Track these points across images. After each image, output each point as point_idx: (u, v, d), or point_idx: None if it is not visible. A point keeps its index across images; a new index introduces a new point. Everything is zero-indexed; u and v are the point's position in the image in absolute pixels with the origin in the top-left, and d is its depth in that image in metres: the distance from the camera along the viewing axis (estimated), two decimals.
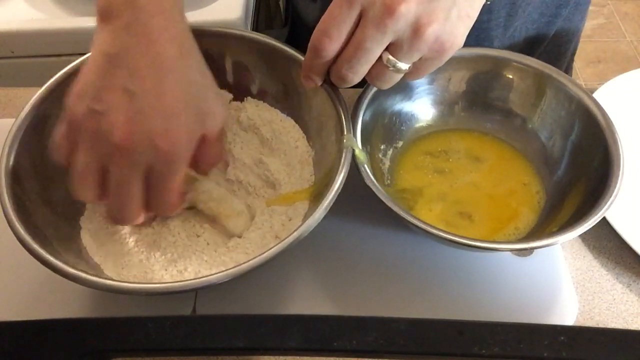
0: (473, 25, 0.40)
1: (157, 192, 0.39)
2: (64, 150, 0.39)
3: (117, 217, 0.40)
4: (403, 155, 0.53)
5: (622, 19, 2.02)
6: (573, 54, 0.71)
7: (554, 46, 0.65)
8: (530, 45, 0.63)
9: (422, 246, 0.48)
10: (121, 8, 0.38)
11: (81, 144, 0.38)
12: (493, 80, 0.52)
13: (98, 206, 0.47)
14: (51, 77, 0.46)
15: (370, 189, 0.42)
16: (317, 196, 0.45)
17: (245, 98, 0.53)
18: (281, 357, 0.43)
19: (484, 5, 0.41)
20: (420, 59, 0.40)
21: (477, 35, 0.59)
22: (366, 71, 0.41)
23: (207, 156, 0.42)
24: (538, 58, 0.51)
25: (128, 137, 0.37)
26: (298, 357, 0.42)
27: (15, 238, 0.39)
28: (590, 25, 1.96)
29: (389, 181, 0.51)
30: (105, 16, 0.39)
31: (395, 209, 0.41)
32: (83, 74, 0.39)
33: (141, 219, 0.41)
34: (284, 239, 0.38)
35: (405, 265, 0.48)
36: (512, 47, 0.62)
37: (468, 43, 0.41)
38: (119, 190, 0.39)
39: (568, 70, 0.71)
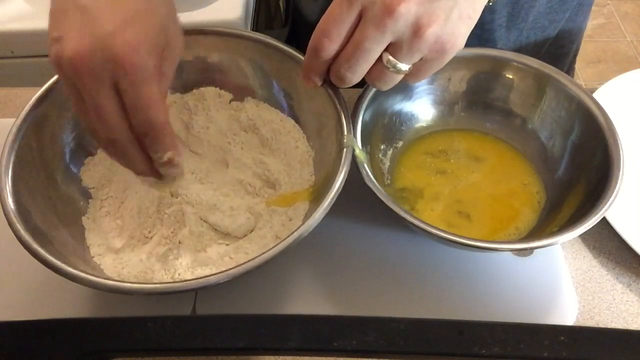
0: (476, 25, 0.40)
1: (135, 108, 0.36)
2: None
3: (107, 145, 0.37)
4: (403, 155, 0.53)
5: (622, 19, 2.02)
6: (575, 55, 0.70)
7: (557, 47, 0.65)
8: (535, 48, 0.63)
9: (422, 246, 0.48)
10: None
11: (60, 78, 0.36)
12: (493, 80, 0.52)
13: (99, 206, 0.47)
14: (51, 77, 0.46)
15: (370, 189, 0.43)
16: (317, 196, 0.45)
17: (245, 98, 0.53)
18: (281, 357, 0.43)
19: (486, 5, 0.41)
20: (420, 60, 0.40)
21: (480, 36, 0.59)
22: (365, 71, 0.40)
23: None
24: (540, 59, 0.51)
25: (81, 51, 0.34)
26: (298, 357, 0.42)
27: (15, 238, 0.39)
28: (590, 25, 1.96)
29: (389, 181, 0.51)
30: None
31: (396, 209, 0.41)
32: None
33: (141, 164, 0.38)
34: (284, 239, 0.38)
35: (405, 265, 0.48)
36: (516, 50, 0.62)
37: (470, 44, 0.41)
38: (95, 112, 0.36)
39: (570, 71, 0.71)
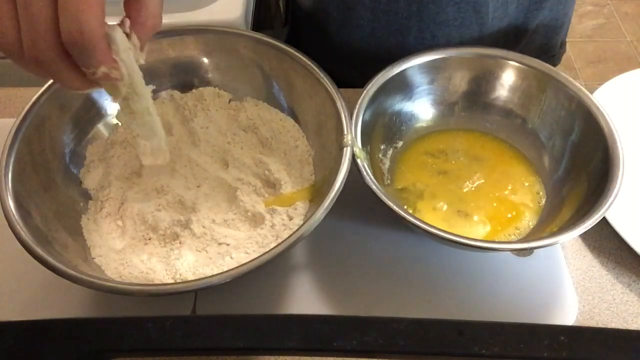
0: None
1: (65, 10, 0.30)
2: None
3: (32, 54, 0.31)
4: (403, 155, 0.53)
5: (622, 19, 2.02)
6: (562, 47, 0.70)
7: (541, 37, 0.65)
8: (514, 38, 0.62)
9: (422, 246, 0.48)
10: None
11: None
12: (493, 80, 0.52)
13: (99, 207, 0.47)
14: None
15: (370, 189, 0.43)
16: (317, 195, 0.45)
17: (244, 98, 0.53)
18: (281, 357, 0.43)
19: None
20: None
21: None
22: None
23: (142, 15, 0.33)
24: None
25: None
26: (298, 357, 0.42)
27: (15, 239, 0.39)
28: (590, 25, 1.96)
29: (389, 181, 0.51)
30: None
31: (396, 209, 0.41)
32: None
33: (73, 78, 0.32)
34: (285, 240, 0.38)
35: (405, 265, 0.48)
36: (492, 37, 0.61)
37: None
38: (26, 19, 0.30)
39: (557, 62, 0.71)
